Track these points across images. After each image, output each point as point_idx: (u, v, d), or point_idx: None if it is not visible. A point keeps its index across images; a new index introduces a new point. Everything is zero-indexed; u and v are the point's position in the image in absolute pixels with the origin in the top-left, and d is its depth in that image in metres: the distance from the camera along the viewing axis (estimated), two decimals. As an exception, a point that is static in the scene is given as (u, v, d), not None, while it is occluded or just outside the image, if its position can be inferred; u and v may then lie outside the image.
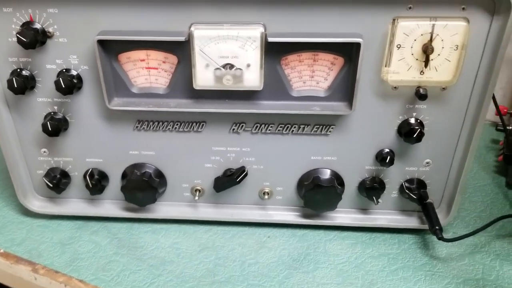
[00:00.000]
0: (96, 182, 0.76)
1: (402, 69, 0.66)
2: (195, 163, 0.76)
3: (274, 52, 0.67)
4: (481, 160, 0.99)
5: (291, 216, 0.81)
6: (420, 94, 0.67)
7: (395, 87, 0.68)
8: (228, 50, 0.65)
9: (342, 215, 0.80)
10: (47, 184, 0.76)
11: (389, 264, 0.75)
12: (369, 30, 0.64)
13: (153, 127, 0.73)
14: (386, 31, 0.64)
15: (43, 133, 0.71)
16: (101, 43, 0.65)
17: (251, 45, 0.64)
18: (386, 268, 0.75)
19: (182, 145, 0.75)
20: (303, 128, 0.72)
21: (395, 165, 0.74)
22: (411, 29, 0.63)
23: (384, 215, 0.80)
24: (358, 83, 0.66)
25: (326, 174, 0.76)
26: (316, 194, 0.75)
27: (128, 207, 0.80)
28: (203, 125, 0.73)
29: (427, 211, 0.77)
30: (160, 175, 0.77)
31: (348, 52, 0.67)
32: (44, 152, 0.76)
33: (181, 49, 0.66)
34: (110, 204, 0.82)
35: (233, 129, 0.73)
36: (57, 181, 0.76)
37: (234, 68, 0.66)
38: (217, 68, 0.66)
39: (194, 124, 0.73)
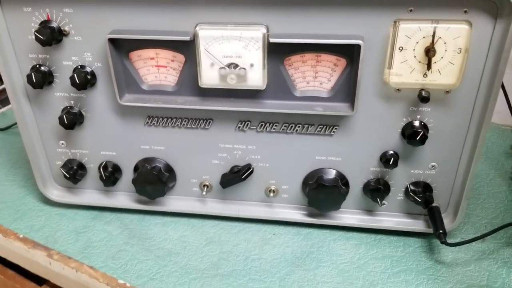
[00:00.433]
0: (110, 174, 0.80)
1: (405, 72, 0.67)
2: (203, 159, 0.79)
3: (278, 52, 0.68)
4: (499, 166, 0.97)
5: (297, 215, 0.82)
6: (423, 97, 0.67)
7: (398, 89, 0.69)
8: (232, 50, 0.67)
9: (348, 216, 0.81)
10: (64, 175, 0.80)
11: (392, 266, 0.75)
12: (371, 32, 0.65)
13: (163, 123, 0.76)
14: (387, 33, 0.65)
15: (60, 126, 0.75)
16: (113, 41, 0.69)
17: (254, 46, 0.66)
18: (388, 270, 0.75)
19: (190, 141, 0.77)
20: (307, 128, 0.74)
21: (400, 167, 0.75)
22: (413, 32, 0.64)
23: (390, 217, 0.80)
24: (359, 84, 0.67)
25: (331, 174, 0.77)
26: (320, 193, 0.76)
27: (140, 199, 0.84)
28: (210, 122, 0.75)
29: (433, 215, 0.76)
30: (169, 169, 0.80)
31: (350, 54, 0.67)
32: (62, 144, 0.81)
33: (188, 49, 0.69)
34: (123, 196, 0.85)
35: (239, 127, 0.75)
36: (74, 172, 0.81)
37: (238, 67, 0.68)
38: (222, 67, 0.68)
39: (202, 121, 0.75)
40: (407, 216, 0.80)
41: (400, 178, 0.76)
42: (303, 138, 0.75)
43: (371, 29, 0.65)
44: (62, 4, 0.68)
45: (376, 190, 0.76)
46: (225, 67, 0.68)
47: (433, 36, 0.63)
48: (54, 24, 0.69)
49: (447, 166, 0.74)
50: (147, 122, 0.76)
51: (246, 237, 0.81)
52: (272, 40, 0.66)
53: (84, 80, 0.71)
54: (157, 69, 0.73)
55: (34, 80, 0.71)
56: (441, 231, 0.74)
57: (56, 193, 0.86)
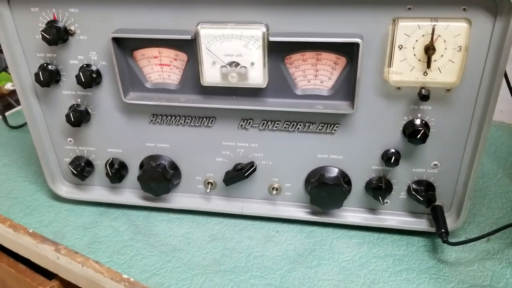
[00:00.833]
0: (116, 171, 0.82)
1: (405, 70, 0.66)
2: (206, 157, 0.80)
3: (278, 51, 0.69)
4: (507, 166, 0.96)
5: (300, 213, 0.82)
6: (423, 95, 0.67)
7: (399, 88, 0.69)
8: (232, 49, 0.68)
9: (351, 214, 0.81)
10: (71, 171, 0.82)
11: (394, 265, 0.75)
12: (370, 31, 0.65)
13: (167, 121, 0.77)
14: (387, 31, 0.65)
15: (68, 124, 0.77)
16: (117, 40, 0.70)
17: (254, 44, 0.67)
18: (390, 268, 0.75)
19: (194, 139, 0.79)
20: (309, 126, 0.74)
21: (402, 166, 0.75)
22: (412, 30, 0.64)
23: (393, 216, 0.80)
24: (359, 82, 0.67)
25: (333, 172, 0.77)
26: (322, 191, 0.76)
27: (146, 196, 0.85)
28: (213, 120, 0.76)
29: (435, 214, 0.76)
30: (174, 167, 0.81)
31: (350, 52, 0.68)
32: (70, 141, 0.83)
33: (190, 47, 0.70)
34: (130, 192, 0.87)
35: (242, 125, 0.76)
36: (81, 169, 0.82)
37: (239, 66, 0.69)
38: (223, 66, 0.69)
39: (205, 119, 0.76)
40: (410, 215, 0.80)
41: (402, 177, 0.76)
42: (305, 136, 0.75)
43: (370, 27, 0.65)
44: (68, 4, 0.70)
45: (378, 189, 0.76)
46: (226, 65, 0.69)
47: (432, 34, 0.63)
48: (60, 24, 0.71)
49: (449, 165, 0.74)
50: (152, 120, 0.78)
51: (249, 234, 0.82)
52: (271, 38, 0.66)
53: (89, 78, 0.73)
54: (160, 68, 0.74)
55: (42, 79, 0.73)
56: (443, 230, 0.74)
57: (65, 189, 0.88)
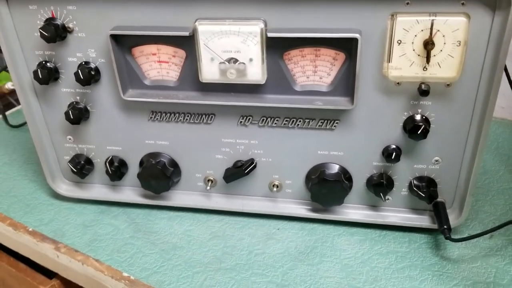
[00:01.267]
0: (116, 169, 0.81)
1: (404, 65, 0.66)
2: (206, 154, 0.80)
3: (277, 47, 0.68)
4: (509, 162, 0.95)
5: (301, 210, 0.82)
6: (422, 90, 0.66)
7: (398, 83, 0.68)
8: (231, 45, 0.67)
9: (352, 211, 0.80)
10: (71, 169, 0.82)
11: (396, 262, 0.75)
12: (369, 26, 0.64)
13: (166, 118, 0.77)
14: (385, 26, 0.64)
15: (67, 122, 0.77)
16: (115, 37, 0.70)
17: (252, 40, 0.67)
18: (392, 265, 0.74)
19: (194, 136, 0.78)
20: (308, 122, 0.74)
21: (403, 162, 0.74)
22: (411, 25, 0.63)
23: (395, 212, 0.80)
24: (358, 78, 0.67)
25: (334, 168, 0.77)
26: (322, 188, 0.75)
27: (147, 194, 0.85)
28: (212, 117, 0.76)
29: (437, 210, 0.75)
30: (174, 164, 0.81)
31: (349, 48, 0.67)
32: (70, 139, 0.82)
33: (188, 44, 0.70)
34: (130, 190, 0.87)
35: (241, 121, 0.75)
36: (81, 167, 0.82)
37: (238, 62, 0.68)
38: (221, 62, 0.69)
39: (204, 116, 0.76)
40: (412, 212, 0.79)
41: (403, 173, 0.76)
42: (305, 132, 0.75)
43: (369, 22, 0.64)
44: (66, 1, 0.70)
45: (379, 185, 0.75)
46: (225, 62, 0.69)
47: (431, 29, 0.63)
48: (58, 21, 0.71)
49: (450, 161, 0.73)
50: (151, 117, 0.78)
51: (250, 231, 0.81)
52: (270, 34, 0.66)
53: (88, 76, 0.72)
54: (159, 65, 0.74)
55: (41, 76, 0.73)
56: (445, 227, 0.73)
57: (65, 187, 0.88)
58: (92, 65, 0.74)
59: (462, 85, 0.66)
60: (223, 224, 0.83)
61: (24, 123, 1.12)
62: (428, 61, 0.65)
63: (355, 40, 0.65)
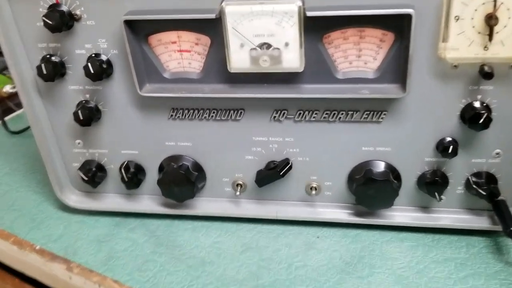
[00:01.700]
0: (132, 176, 0.72)
1: (462, 45, 0.58)
2: (235, 155, 0.71)
3: (315, 29, 0.60)
4: None
5: (343, 214, 0.73)
6: (485, 73, 0.57)
7: (455, 66, 0.60)
8: (263, 28, 0.59)
9: (400, 214, 0.71)
10: (82, 178, 0.73)
11: (457, 270, 0.66)
12: (421, 0, 0.56)
13: (189, 116, 0.68)
14: (440, 1, 0.56)
15: (76, 123, 0.68)
16: (129, 24, 0.61)
17: (288, 22, 0.58)
18: (453, 275, 0.65)
19: (220, 135, 0.69)
20: (352, 114, 0.65)
21: (459, 156, 0.65)
22: (471, -3, 0.55)
23: (449, 214, 0.71)
24: (411, 61, 0.58)
25: (380, 166, 0.68)
26: (369, 189, 0.66)
27: (167, 202, 0.76)
28: (241, 112, 0.67)
29: (499, 210, 0.66)
30: (198, 168, 0.72)
31: (399, 27, 0.58)
32: (79, 143, 0.73)
33: (214, 29, 0.61)
34: (148, 199, 0.77)
35: (274, 116, 0.67)
36: (93, 174, 0.73)
37: (272, 48, 0.60)
38: (253, 48, 0.60)
39: (232, 111, 0.67)
40: (469, 212, 0.70)
41: (459, 169, 0.67)
42: (348, 126, 0.66)
43: (423, -5, 0.56)
44: (71, -16, 0.61)
45: (433, 183, 0.67)
46: (257, 47, 0.60)
47: (495, 1, 0.54)
48: (64, 8, 0.62)
49: (514, 153, 0.64)
50: (172, 115, 0.69)
51: (287, 241, 0.72)
52: (309, 13, 0.57)
53: (99, 69, 0.63)
54: (179, 55, 0.65)
55: (45, 72, 0.64)
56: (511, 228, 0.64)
57: (75, 198, 0.79)
58: (104, 57, 0.65)
59: (531, 65, 0.58)
60: (255, 234, 0.74)
61: (25, 129, 1.02)
62: (490, 38, 0.57)
63: (407, 17, 0.56)
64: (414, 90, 0.61)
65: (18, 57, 0.66)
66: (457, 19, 0.56)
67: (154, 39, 0.64)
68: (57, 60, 0.65)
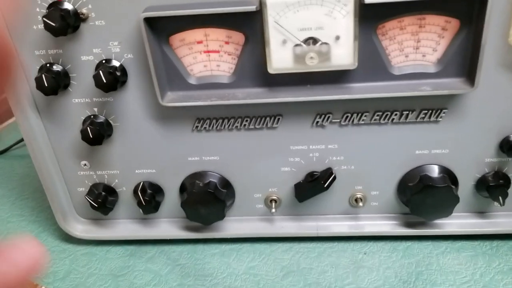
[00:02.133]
0: (150, 198, 0.62)
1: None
2: (269, 168, 0.62)
3: (370, 18, 0.51)
4: None
5: (390, 226, 0.65)
6: None
7: (527, 54, 0.53)
8: (310, 20, 0.50)
9: (456, 221, 0.64)
10: (91, 204, 0.62)
11: (525, 280, 0.59)
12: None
13: (217, 126, 0.59)
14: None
15: (82, 142, 0.57)
16: (149, 22, 0.51)
17: (341, 11, 0.49)
18: (523, 286, 0.59)
19: (253, 146, 0.60)
20: (407, 115, 0.57)
21: (523, 154, 0.58)
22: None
23: (507, 218, 0.64)
24: (483, 51, 0.50)
25: (435, 171, 0.60)
26: (427, 197, 0.59)
27: (189, 225, 0.66)
28: (279, 119, 0.58)
29: None
30: (227, 184, 0.63)
31: (466, 11, 0.51)
32: (85, 165, 0.63)
33: (250, 24, 0.52)
34: (167, 223, 0.67)
35: (317, 122, 0.58)
36: (103, 200, 0.62)
37: (319, 43, 0.51)
38: (297, 45, 0.51)
39: (268, 118, 0.58)
40: (529, 214, 0.64)
41: (522, 168, 0.60)
42: (401, 128, 0.58)
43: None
44: (76, -23, 0.50)
45: (497, 187, 0.59)
46: (302, 43, 0.51)
47: None
48: (68, 6, 0.51)
49: None
50: (196, 127, 0.59)
51: (331, 260, 0.64)
52: (367, 0, 0.49)
53: (112, 78, 0.53)
54: (206, 56, 0.55)
55: (46, 84, 0.53)
56: None
57: (81, 227, 0.68)
58: (116, 63, 0.54)
59: None
60: (293, 254, 0.65)
61: (10, 147, 0.90)
62: None
63: (478, 0, 0.48)
64: (480, 84, 0.54)
65: (11, 67, 0.55)
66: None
67: (176, 39, 0.54)
68: (59, 70, 0.55)
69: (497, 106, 0.56)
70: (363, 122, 0.58)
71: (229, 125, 0.59)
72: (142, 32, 0.50)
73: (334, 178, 0.60)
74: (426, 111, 0.56)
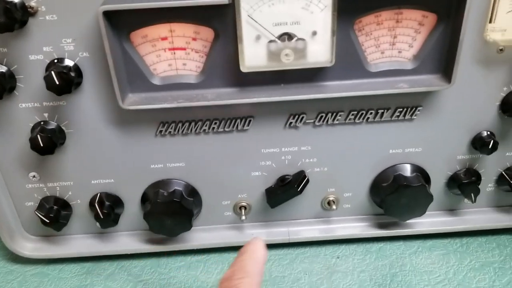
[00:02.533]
0: (109, 211, 0.57)
1: (511, 25, 0.51)
2: (239, 173, 0.58)
3: (347, 12, 0.49)
4: None
5: (362, 228, 0.63)
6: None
7: (501, 49, 0.52)
8: (286, 14, 0.47)
9: (425, 220, 0.63)
10: (42, 220, 0.56)
11: (498, 275, 0.59)
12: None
13: (183, 130, 0.54)
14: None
15: (31, 152, 0.51)
16: (108, 16, 0.46)
17: (319, 4, 0.46)
18: (495, 282, 0.58)
19: (222, 150, 0.56)
20: (382, 113, 0.55)
21: (494, 151, 0.58)
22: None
23: (478, 214, 0.64)
24: (460, 47, 0.49)
25: (407, 170, 0.59)
26: (401, 197, 0.57)
27: (151, 238, 0.61)
28: (250, 121, 0.54)
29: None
30: (193, 192, 0.58)
31: (444, 6, 0.49)
32: (34, 177, 0.56)
33: (220, 18, 0.48)
34: (127, 237, 0.62)
35: (290, 123, 0.55)
36: (55, 214, 0.56)
37: (295, 38, 0.48)
38: (272, 41, 0.48)
39: (238, 120, 0.54)
40: (497, 211, 0.64)
41: (492, 165, 0.60)
42: (375, 127, 0.56)
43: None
44: (23, -35, 0.44)
45: (469, 184, 0.59)
46: (277, 39, 0.48)
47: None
48: (13, -2, 0.45)
49: (551, 144, 0.58)
50: (160, 131, 0.54)
51: (304, 267, 0.61)
52: (346, -8, 0.46)
53: (66, 79, 0.47)
54: (171, 54, 0.50)
55: (-11, 88, 0.47)
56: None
57: (30, 246, 0.61)
58: (69, 63, 0.49)
59: None
60: (264, 263, 0.62)
61: None
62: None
63: (458, -7, 0.47)
64: (456, 80, 0.52)
65: None
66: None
67: (138, 35, 0.49)
68: (3, 71, 0.48)
69: (471, 103, 0.55)
70: (337, 122, 0.55)
71: (196, 129, 0.54)
72: (101, 27, 0.45)
73: (308, 181, 0.58)
74: (401, 109, 0.55)
